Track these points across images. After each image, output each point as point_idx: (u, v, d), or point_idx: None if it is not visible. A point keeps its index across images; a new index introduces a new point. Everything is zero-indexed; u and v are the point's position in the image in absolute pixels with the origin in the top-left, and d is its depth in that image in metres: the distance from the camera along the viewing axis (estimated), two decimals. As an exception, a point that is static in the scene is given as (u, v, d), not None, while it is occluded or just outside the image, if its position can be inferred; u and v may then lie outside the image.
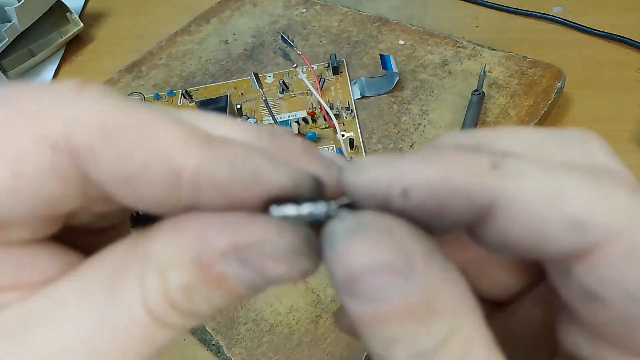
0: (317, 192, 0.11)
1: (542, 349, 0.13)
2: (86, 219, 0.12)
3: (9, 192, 0.09)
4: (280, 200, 0.10)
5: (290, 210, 0.10)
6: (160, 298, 0.10)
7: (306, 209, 0.11)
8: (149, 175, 0.09)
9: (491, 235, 0.10)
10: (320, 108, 0.40)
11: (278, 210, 0.10)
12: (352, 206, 0.11)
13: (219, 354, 0.30)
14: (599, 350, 0.11)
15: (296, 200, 0.10)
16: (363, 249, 0.10)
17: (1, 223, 0.10)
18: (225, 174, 0.10)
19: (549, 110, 0.39)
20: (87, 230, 0.12)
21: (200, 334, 0.30)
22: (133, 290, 0.10)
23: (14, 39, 0.52)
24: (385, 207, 0.10)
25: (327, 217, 0.11)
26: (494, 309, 0.14)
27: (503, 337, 0.12)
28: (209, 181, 0.10)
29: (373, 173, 0.10)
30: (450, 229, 0.11)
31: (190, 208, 0.10)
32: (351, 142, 0.38)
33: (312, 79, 0.43)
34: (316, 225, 0.11)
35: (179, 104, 0.45)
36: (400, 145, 0.38)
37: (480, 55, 0.43)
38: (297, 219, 0.10)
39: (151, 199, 0.10)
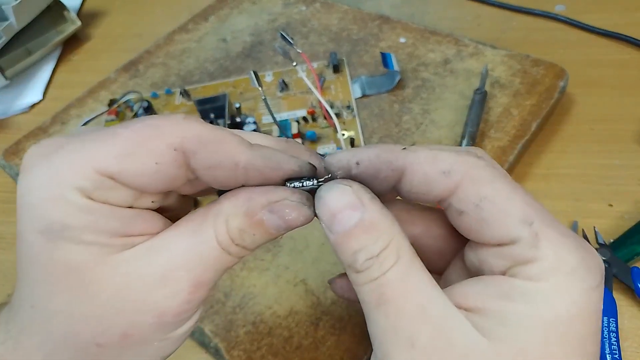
0: (313, 173, 0.19)
1: None
2: (168, 205, 0.19)
3: (152, 173, 0.16)
4: (292, 178, 0.18)
5: (297, 183, 0.18)
6: (225, 235, 0.17)
7: (306, 182, 0.18)
8: (222, 165, 0.17)
9: (405, 188, 0.18)
10: (321, 107, 0.39)
11: (291, 184, 0.18)
12: (331, 179, 0.19)
13: (217, 357, 0.29)
14: (478, 253, 0.18)
15: (301, 178, 0.18)
16: (336, 195, 0.17)
17: (141, 193, 0.17)
18: (262, 163, 0.17)
19: (552, 110, 0.39)
20: (169, 215, 0.19)
21: (199, 337, 0.30)
22: (210, 231, 0.17)
23: (11, 38, 0.52)
24: (348, 174, 0.18)
25: (318, 187, 0.18)
26: (439, 278, 0.22)
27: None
28: (253, 168, 0.17)
29: (341, 154, 0.18)
30: (385, 187, 0.19)
31: (242, 185, 0.18)
32: (352, 141, 0.38)
33: (312, 78, 0.42)
34: (312, 192, 0.18)
35: (177, 102, 0.44)
36: (402, 144, 0.37)
37: (483, 53, 0.42)
38: (302, 188, 0.18)
39: (222, 178, 0.17)
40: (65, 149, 0.17)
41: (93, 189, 0.16)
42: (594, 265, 0.16)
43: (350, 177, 0.18)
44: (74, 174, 0.16)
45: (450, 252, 0.21)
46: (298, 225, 0.18)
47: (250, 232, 0.17)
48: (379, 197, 0.18)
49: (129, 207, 0.17)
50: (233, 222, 0.17)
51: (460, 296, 0.17)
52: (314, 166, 0.19)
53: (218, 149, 0.17)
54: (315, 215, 0.18)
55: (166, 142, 0.16)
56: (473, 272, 0.19)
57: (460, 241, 0.20)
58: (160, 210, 0.19)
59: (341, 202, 0.17)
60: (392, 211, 0.18)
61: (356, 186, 0.18)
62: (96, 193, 0.16)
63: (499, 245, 0.17)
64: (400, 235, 0.17)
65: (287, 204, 0.17)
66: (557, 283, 0.16)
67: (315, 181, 0.18)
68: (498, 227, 0.17)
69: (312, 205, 0.18)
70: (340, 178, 0.18)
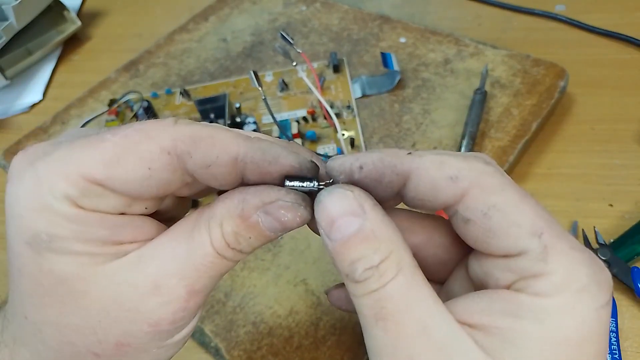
0: (314, 172, 0.18)
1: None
2: (164, 208, 0.19)
3: (145, 179, 0.16)
4: (292, 177, 0.17)
5: (297, 183, 0.17)
6: (220, 239, 0.17)
7: (305, 183, 0.17)
8: (220, 162, 0.16)
9: (410, 194, 0.17)
10: (321, 107, 0.39)
11: (289, 183, 0.17)
12: (333, 184, 0.18)
13: (218, 357, 0.29)
14: (482, 264, 0.17)
15: (302, 178, 0.17)
16: (336, 201, 0.16)
17: (133, 199, 0.16)
18: (259, 156, 0.16)
19: (552, 110, 0.39)
20: (162, 218, 0.19)
21: (199, 337, 0.30)
22: (204, 235, 0.17)
23: (11, 38, 0.52)
24: (350, 179, 0.18)
25: (318, 190, 0.17)
26: (440, 288, 0.21)
27: (449, 300, 0.19)
28: (251, 161, 0.16)
29: (343, 158, 0.18)
30: (389, 192, 0.18)
31: (239, 184, 0.17)
32: (352, 141, 0.38)
33: (312, 78, 0.42)
34: (312, 196, 0.18)
35: (177, 102, 0.44)
36: (402, 145, 0.37)
37: (483, 53, 0.42)
38: (300, 189, 0.17)
39: (221, 176, 0.17)
40: (51, 155, 0.16)
41: (81, 196, 0.15)
42: (604, 281, 0.16)
43: (353, 181, 0.18)
44: (60, 181, 0.15)
45: (453, 261, 0.20)
46: (295, 226, 0.17)
47: (245, 235, 0.17)
48: (381, 204, 0.17)
49: (121, 214, 0.17)
50: (228, 225, 0.17)
51: (463, 312, 0.16)
52: (315, 164, 0.18)
53: (214, 144, 0.16)
54: (313, 217, 0.18)
55: (158, 146, 0.16)
56: (477, 284, 0.18)
57: (463, 251, 0.20)
58: (155, 214, 0.18)
59: (341, 207, 0.16)
60: (392, 219, 0.17)
61: (358, 192, 0.17)
62: (84, 201, 0.16)
63: (506, 256, 0.16)
64: (402, 246, 0.16)
65: (282, 205, 0.17)
66: (566, 300, 0.15)
67: (315, 183, 0.18)
68: (506, 237, 0.16)
69: (309, 205, 0.17)
70: (342, 183, 0.18)
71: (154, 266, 0.16)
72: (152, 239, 0.17)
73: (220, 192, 0.19)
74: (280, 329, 0.29)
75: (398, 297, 0.16)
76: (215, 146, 0.16)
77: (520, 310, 0.15)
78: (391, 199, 0.18)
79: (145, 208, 0.17)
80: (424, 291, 0.16)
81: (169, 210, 0.19)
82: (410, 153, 0.17)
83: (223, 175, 0.17)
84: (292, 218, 0.17)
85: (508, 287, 0.16)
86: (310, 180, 0.18)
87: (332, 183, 0.18)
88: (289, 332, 0.29)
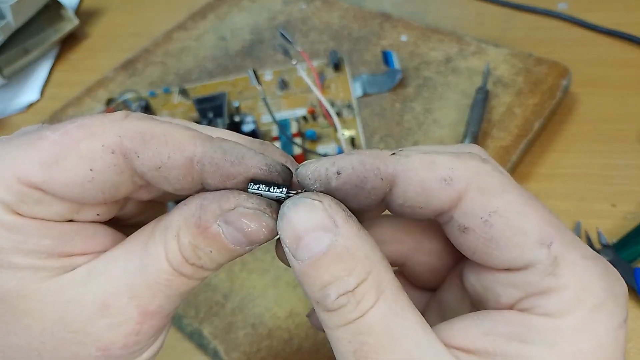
0: (286, 177, 0.15)
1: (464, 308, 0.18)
2: (129, 212, 0.17)
3: (86, 181, 0.14)
4: (259, 181, 0.15)
5: (261, 189, 0.15)
6: (177, 253, 0.15)
7: (272, 189, 0.15)
8: (172, 163, 0.14)
9: (397, 201, 0.15)
10: (321, 106, 0.39)
11: (252, 188, 0.15)
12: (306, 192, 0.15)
13: (216, 359, 0.29)
14: (481, 279, 0.15)
15: (270, 184, 0.15)
16: (302, 213, 0.14)
17: (80, 204, 0.15)
18: (220, 157, 0.14)
19: (555, 109, 0.38)
20: (128, 224, 0.17)
21: (198, 339, 0.30)
22: (159, 249, 0.15)
23: (9, 37, 0.51)
24: (327, 187, 0.15)
25: (286, 199, 0.15)
26: (431, 295, 0.19)
27: (441, 309, 0.18)
28: (209, 162, 0.14)
29: (317, 164, 0.15)
30: (373, 200, 0.15)
31: (198, 190, 0.15)
32: (352, 140, 0.37)
33: (312, 76, 0.42)
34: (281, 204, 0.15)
35: (175, 102, 0.44)
36: (404, 145, 0.37)
37: (485, 52, 0.42)
38: (266, 196, 0.15)
39: (175, 180, 0.14)
40: None
41: (18, 202, 0.14)
42: (622, 295, 0.14)
43: (330, 190, 0.15)
44: None
45: (446, 267, 0.18)
46: (262, 239, 0.15)
47: (205, 248, 0.15)
48: (363, 214, 0.15)
49: (69, 221, 0.15)
50: (184, 236, 0.14)
51: (462, 336, 0.14)
52: (287, 168, 0.15)
53: (165, 142, 0.14)
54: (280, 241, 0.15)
55: (101, 143, 0.14)
56: (474, 297, 0.16)
57: (457, 255, 0.18)
58: (117, 221, 0.17)
59: (309, 221, 0.14)
60: (373, 230, 0.15)
61: (328, 201, 0.14)
62: (22, 207, 0.14)
63: (509, 270, 0.14)
64: (381, 265, 0.14)
65: (244, 212, 0.14)
66: (580, 320, 0.13)
67: (285, 190, 0.15)
68: (509, 248, 0.14)
69: (277, 212, 0.15)
70: (317, 192, 0.15)
71: (103, 283, 0.15)
72: (105, 250, 0.16)
73: None
74: (279, 331, 0.29)
75: (380, 328, 0.13)
76: (167, 145, 0.14)
77: (529, 333, 0.13)
78: (374, 207, 0.16)
79: (97, 214, 0.15)
80: (410, 318, 0.14)
81: (135, 216, 0.17)
82: (394, 153, 0.15)
83: (177, 179, 0.14)
84: (256, 229, 0.14)
85: (512, 306, 0.14)
86: (279, 186, 0.15)
87: (306, 192, 0.15)
88: (289, 334, 0.29)
